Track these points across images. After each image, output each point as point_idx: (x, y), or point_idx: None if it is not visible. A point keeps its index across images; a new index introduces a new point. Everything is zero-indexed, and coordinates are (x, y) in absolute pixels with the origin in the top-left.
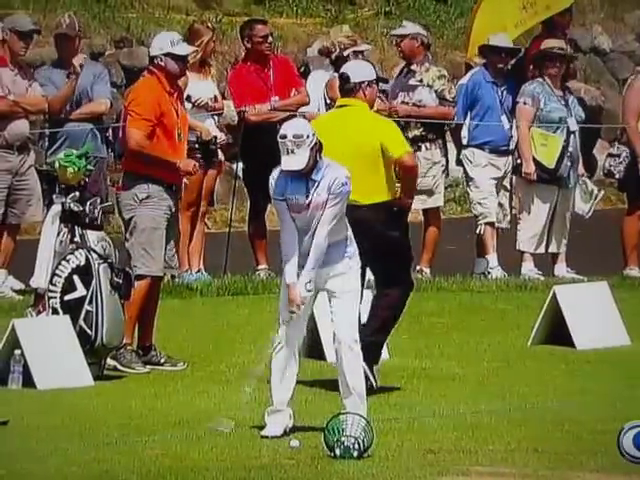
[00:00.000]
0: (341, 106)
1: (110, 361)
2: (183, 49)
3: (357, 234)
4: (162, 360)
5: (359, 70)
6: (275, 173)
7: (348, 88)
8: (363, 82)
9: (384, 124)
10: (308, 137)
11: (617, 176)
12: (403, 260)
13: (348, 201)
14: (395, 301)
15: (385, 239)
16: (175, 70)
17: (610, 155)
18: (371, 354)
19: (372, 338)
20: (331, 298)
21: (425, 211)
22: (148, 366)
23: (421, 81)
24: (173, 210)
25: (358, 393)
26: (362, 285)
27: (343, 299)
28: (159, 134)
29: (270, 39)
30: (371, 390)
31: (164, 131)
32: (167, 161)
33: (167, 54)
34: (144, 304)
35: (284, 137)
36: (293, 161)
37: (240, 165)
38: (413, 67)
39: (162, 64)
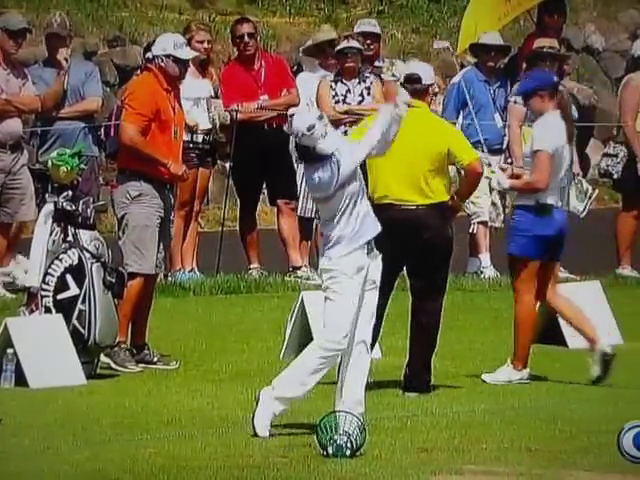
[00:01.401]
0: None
1: (104, 358)
2: (184, 53)
3: (411, 235)
4: (155, 359)
5: (428, 72)
6: None
7: (419, 89)
8: (432, 84)
9: (451, 129)
10: (321, 119)
11: (615, 176)
12: (448, 265)
13: (403, 202)
14: (438, 320)
15: (438, 240)
16: (174, 72)
17: (607, 155)
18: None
19: (422, 362)
20: (367, 290)
21: None
22: (141, 365)
23: (393, 75)
24: (166, 209)
25: (360, 397)
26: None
27: (376, 293)
28: (155, 130)
29: (247, 39)
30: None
31: (160, 128)
32: (158, 160)
33: (168, 55)
34: (137, 302)
35: (303, 134)
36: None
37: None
38: (377, 64)
39: (162, 64)
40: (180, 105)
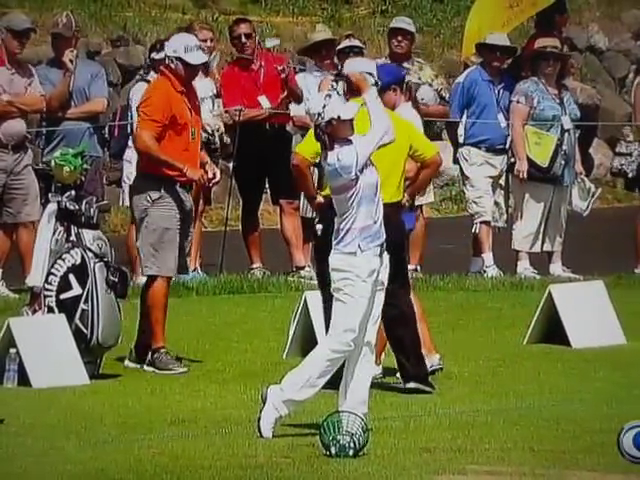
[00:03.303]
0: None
1: (147, 368)
2: (194, 58)
3: None
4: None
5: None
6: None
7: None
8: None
9: (410, 125)
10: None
11: (630, 175)
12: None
13: None
14: (414, 311)
15: (402, 238)
16: (184, 75)
17: (619, 154)
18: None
19: (415, 355)
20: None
21: None
22: (185, 367)
23: (420, 79)
24: (187, 210)
25: (365, 398)
26: None
27: (383, 294)
28: (171, 134)
29: (244, 39)
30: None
31: (177, 131)
32: (174, 165)
33: (178, 58)
34: (165, 304)
35: (324, 106)
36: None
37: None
38: (406, 65)
39: (172, 66)
40: (197, 105)
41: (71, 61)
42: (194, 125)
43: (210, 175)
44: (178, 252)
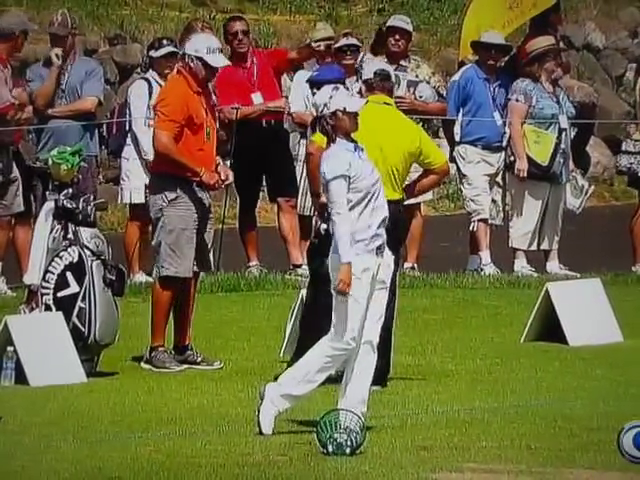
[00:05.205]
0: (384, 103)
1: (144, 365)
2: (216, 61)
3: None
4: (199, 359)
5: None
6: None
7: (391, 86)
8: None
9: (420, 130)
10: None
11: None
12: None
13: None
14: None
15: (403, 237)
16: (202, 76)
17: (627, 152)
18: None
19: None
20: (375, 290)
21: (408, 207)
22: (184, 365)
23: (417, 76)
24: (204, 209)
25: (364, 397)
26: None
27: (385, 293)
28: (188, 134)
29: (241, 36)
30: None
31: (192, 131)
32: (191, 168)
33: (199, 58)
34: (169, 307)
35: (330, 96)
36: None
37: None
38: (403, 63)
39: (192, 65)
40: (211, 105)
41: (57, 56)
42: (209, 125)
43: (223, 177)
44: (201, 250)
